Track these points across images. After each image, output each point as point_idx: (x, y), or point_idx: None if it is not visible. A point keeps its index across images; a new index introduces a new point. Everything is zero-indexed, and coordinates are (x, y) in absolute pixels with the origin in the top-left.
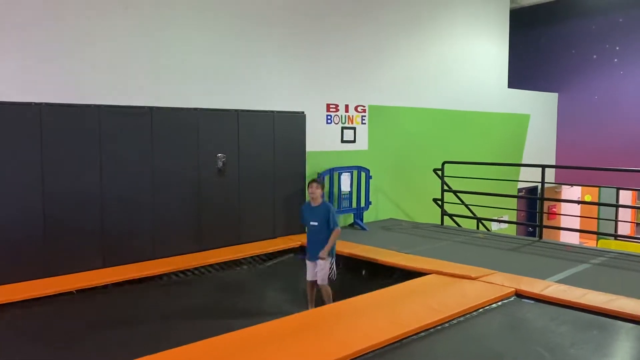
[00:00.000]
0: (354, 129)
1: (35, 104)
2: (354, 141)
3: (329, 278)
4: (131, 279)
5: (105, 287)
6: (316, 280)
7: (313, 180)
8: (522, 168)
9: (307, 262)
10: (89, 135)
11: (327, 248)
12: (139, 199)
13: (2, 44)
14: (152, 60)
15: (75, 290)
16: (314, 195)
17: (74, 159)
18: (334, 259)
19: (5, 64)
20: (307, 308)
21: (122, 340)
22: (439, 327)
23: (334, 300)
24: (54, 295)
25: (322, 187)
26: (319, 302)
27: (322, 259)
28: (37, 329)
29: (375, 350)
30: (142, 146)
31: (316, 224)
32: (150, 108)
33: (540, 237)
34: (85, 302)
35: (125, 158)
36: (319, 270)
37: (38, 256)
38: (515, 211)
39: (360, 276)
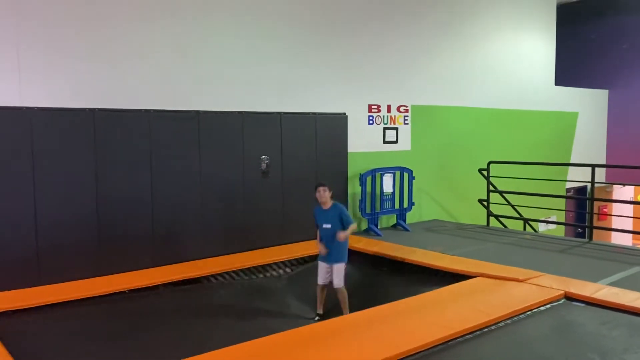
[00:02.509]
0: (396, 129)
1: (89, 109)
2: (396, 142)
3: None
4: (180, 279)
5: (155, 287)
6: (328, 284)
7: (319, 185)
8: (570, 167)
9: (320, 264)
10: (139, 139)
11: (345, 233)
12: (186, 200)
13: (57, 52)
14: (198, 65)
15: (128, 290)
16: (323, 199)
17: (126, 162)
18: (346, 263)
19: (60, 71)
20: (317, 311)
21: (169, 339)
22: (485, 330)
23: (366, 302)
24: (107, 294)
25: (330, 190)
26: (333, 306)
27: (340, 239)
28: (90, 327)
29: (421, 351)
30: (189, 149)
31: (329, 226)
32: (197, 112)
33: (591, 238)
34: (136, 301)
35: (174, 161)
36: (335, 273)
37: (92, 256)
38: (564, 212)
39: (403, 278)
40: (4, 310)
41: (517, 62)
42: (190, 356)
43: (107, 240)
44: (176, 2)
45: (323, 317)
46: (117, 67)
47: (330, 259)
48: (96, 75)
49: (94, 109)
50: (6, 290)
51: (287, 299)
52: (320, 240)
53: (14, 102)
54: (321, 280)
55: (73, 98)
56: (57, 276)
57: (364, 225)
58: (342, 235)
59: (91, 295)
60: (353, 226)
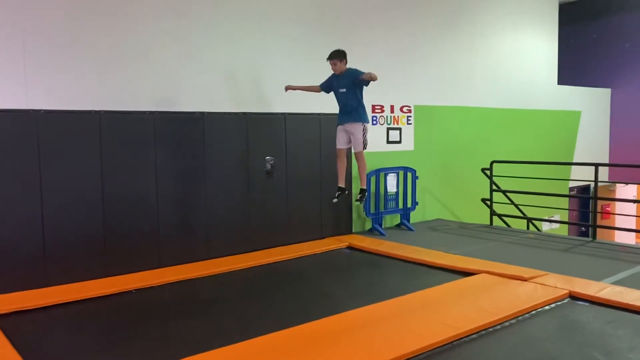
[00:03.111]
0: (400, 129)
1: (95, 111)
2: (399, 142)
3: (366, 142)
4: (185, 279)
5: (161, 286)
6: (347, 149)
7: (329, 58)
8: (573, 166)
9: (338, 128)
10: (145, 140)
11: (369, 74)
12: (192, 201)
13: (62, 55)
14: (203, 67)
15: (134, 290)
16: (336, 68)
17: (131, 163)
18: (366, 124)
19: (66, 73)
20: (338, 185)
21: (177, 336)
22: (490, 329)
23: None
24: (114, 294)
25: (343, 57)
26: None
27: (366, 78)
28: (97, 326)
29: (426, 352)
30: (194, 150)
31: (344, 90)
32: (202, 113)
33: (594, 237)
34: (143, 301)
35: (179, 162)
36: (354, 135)
37: (98, 257)
38: (567, 211)
39: (405, 276)
40: (12, 310)
41: (519, 61)
42: (196, 354)
43: (113, 241)
44: (181, 4)
45: (343, 192)
46: (122, 69)
47: (349, 118)
48: (102, 77)
49: (100, 111)
50: (13, 292)
51: (291, 297)
52: (339, 104)
53: (20, 104)
54: (340, 143)
55: (79, 100)
56: (64, 277)
57: (368, 225)
58: (367, 75)
59: (98, 295)
60: (366, 73)
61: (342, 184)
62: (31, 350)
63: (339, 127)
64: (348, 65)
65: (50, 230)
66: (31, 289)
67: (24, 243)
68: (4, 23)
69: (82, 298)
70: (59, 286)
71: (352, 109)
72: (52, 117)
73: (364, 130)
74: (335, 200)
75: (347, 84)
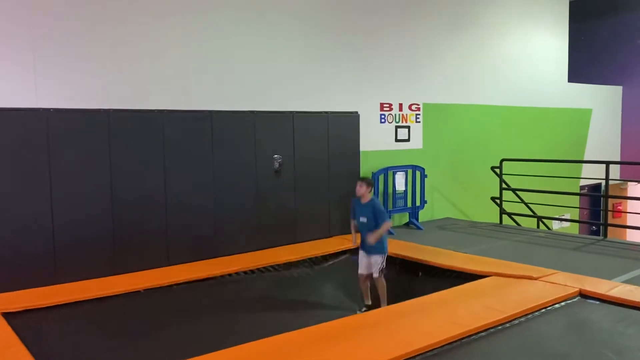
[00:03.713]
0: (408, 127)
1: (104, 110)
2: (408, 140)
3: (384, 269)
4: (195, 279)
5: (170, 285)
6: (370, 274)
7: (359, 179)
8: (584, 165)
9: (360, 253)
10: (153, 139)
11: (376, 234)
12: (200, 200)
13: (72, 53)
14: (211, 65)
15: (143, 290)
16: (359, 193)
17: (140, 162)
18: (385, 255)
19: (75, 72)
20: (364, 303)
21: (187, 335)
22: (499, 327)
23: (389, 301)
24: (123, 293)
25: (368, 185)
26: (375, 296)
27: (371, 243)
28: (106, 325)
29: (435, 349)
30: (203, 149)
31: (365, 220)
32: (210, 112)
33: (605, 235)
34: (151, 299)
35: (188, 161)
36: (373, 264)
37: (108, 255)
38: (578, 209)
39: (417, 278)
40: (23, 309)
41: (529, 59)
42: (204, 354)
43: (122, 239)
44: (189, 3)
45: (371, 308)
46: (131, 68)
47: (368, 250)
48: (111, 76)
49: (109, 110)
50: (24, 289)
51: (300, 296)
52: (358, 231)
53: (30, 103)
54: (361, 269)
55: (88, 99)
56: (73, 275)
57: None
58: (372, 238)
59: (107, 294)
60: (386, 224)
61: (368, 302)
62: (40, 348)
63: (361, 252)
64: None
65: (60, 228)
66: (41, 287)
67: (34, 241)
68: (14, 25)
69: (91, 297)
70: (68, 284)
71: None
72: (62, 115)
73: (382, 260)
74: (359, 312)
75: (368, 215)
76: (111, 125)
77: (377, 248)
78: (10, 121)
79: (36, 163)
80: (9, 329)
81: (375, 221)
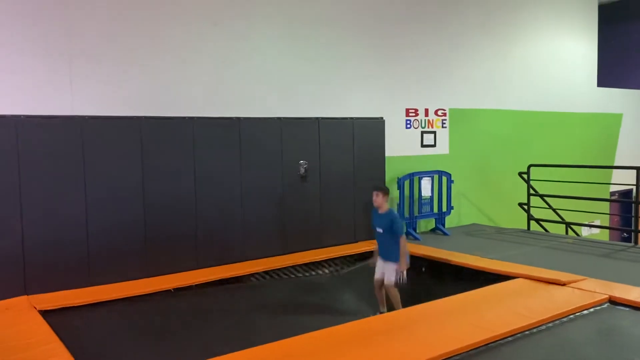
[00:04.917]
0: (434, 133)
1: (137, 117)
2: (434, 145)
3: (398, 281)
4: (221, 278)
5: (199, 286)
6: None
7: (374, 188)
8: (614, 170)
9: (378, 259)
10: (184, 145)
11: (403, 261)
12: (228, 204)
13: (107, 62)
14: (239, 73)
15: (173, 289)
16: (375, 203)
17: (171, 168)
18: (405, 266)
19: (109, 81)
20: (379, 310)
21: (213, 335)
22: (526, 333)
23: (406, 303)
24: (154, 294)
25: (385, 194)
26: (389, 304)
27: (402, 270)
28: (137, 323)
29: (461, 353)
30: (231, 155)
31: (381, 230)
32: (238, 119)
33: (636, 242)
34: (181, 300)
35: (216, 166)
36: (386, 271)
37: (139, 258)
38: (608, 216)
39: (443, 280)
40: (60, 307)
41: (557, 63)
42: (231, 352)
43: (154, 243)
44: (217, 13)
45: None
46: (163, 76)
47: (386, 257)
48: (143, 84)
49: (141, 117)
50: (60, 290)
51: (325, 300)
52: (376, 238)
53: (67, 111)
54: (378, 274)
55: (122, 106)
56: (106, 278)
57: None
58: (402, 267)
59: (139, 294)
60: (402, 241)
61: (383, 310)
62: (76, 344)
63: (379, 259)
64: None
65: (94, 232)
66: (75, 288)
67: (70, 245)
68: (52, 35)
69: (124, 296)
70: (102, 286)
71: (388, 249)
72: (96, 122)
73: (400, 269)
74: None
75: (385, 227)
76: (143, 132)
77: (390, 256)
78: (49, 128)
79: (72, 168)
80: (47, 326)
81: (391, 233)
